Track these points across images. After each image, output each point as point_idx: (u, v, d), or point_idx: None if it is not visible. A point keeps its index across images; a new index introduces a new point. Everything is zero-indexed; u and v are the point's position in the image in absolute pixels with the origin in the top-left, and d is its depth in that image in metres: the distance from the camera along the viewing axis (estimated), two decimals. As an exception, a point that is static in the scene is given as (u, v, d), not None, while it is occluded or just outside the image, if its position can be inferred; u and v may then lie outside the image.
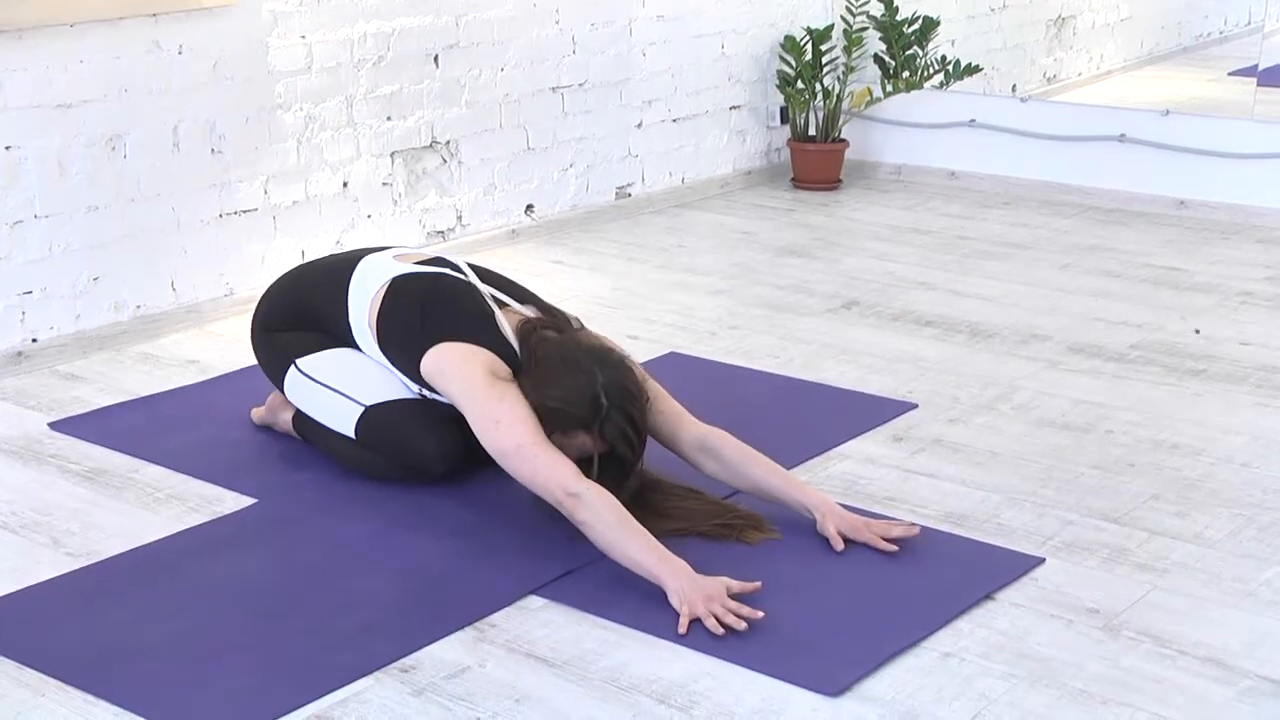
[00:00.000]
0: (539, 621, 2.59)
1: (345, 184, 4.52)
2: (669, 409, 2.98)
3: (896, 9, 5.73)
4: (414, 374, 3.03)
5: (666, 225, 5.30)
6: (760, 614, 2.53)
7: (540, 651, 2.50)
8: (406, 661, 2.47)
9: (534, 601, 2.66)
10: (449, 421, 3.03)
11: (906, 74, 5.80)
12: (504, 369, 2.93)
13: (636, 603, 2.60)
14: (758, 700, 2.35)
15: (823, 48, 5.69)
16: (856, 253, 4.94)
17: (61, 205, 3.86)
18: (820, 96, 5.75)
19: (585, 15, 5.11)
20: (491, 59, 4.84)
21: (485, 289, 3.10)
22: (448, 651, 2.50)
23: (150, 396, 3.66)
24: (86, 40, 3.84)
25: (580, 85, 5.15)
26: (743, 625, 2.51)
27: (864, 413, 3.52)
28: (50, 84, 3.78)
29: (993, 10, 6.33)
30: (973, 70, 5.78)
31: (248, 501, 3.07)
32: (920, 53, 5.80)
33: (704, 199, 5.65)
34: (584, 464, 2.78)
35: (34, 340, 3.87)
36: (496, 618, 2.60)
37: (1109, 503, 3.04)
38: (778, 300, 4.43)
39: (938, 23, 5.79)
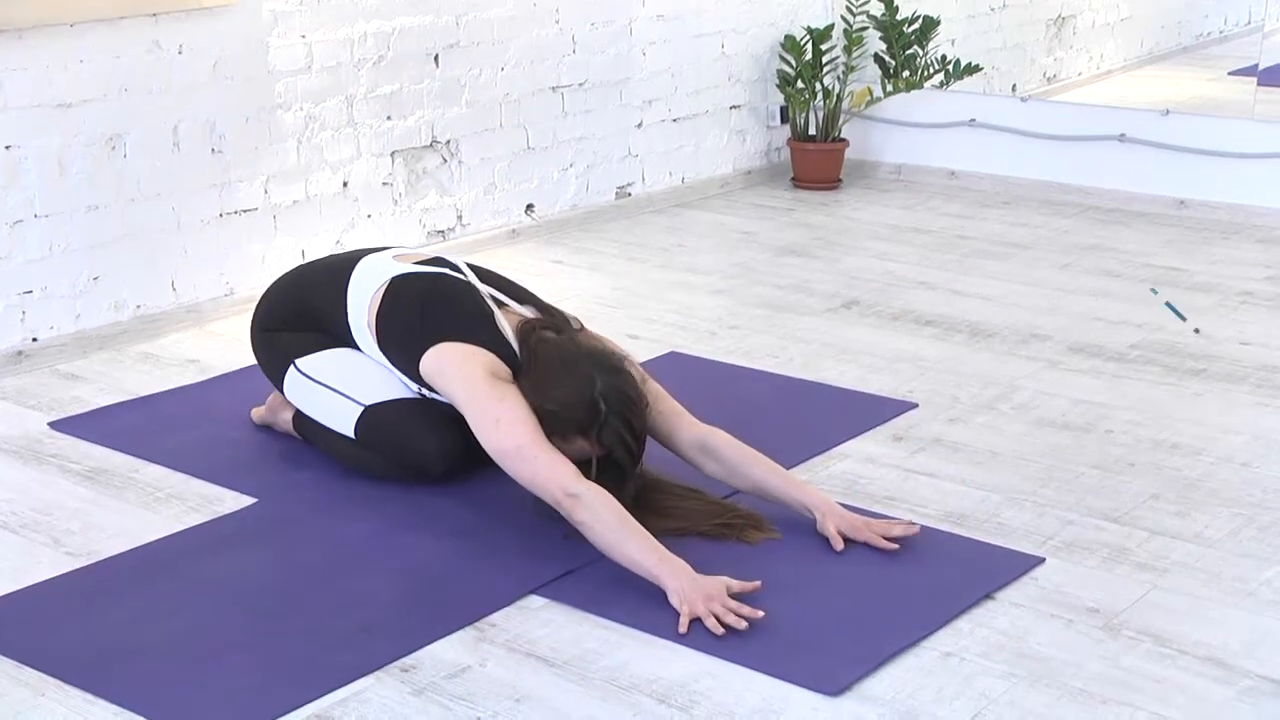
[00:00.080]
0: (539, 621, 2.59)
1: (345, 184, 4.52)
2: (668, 409, 2.97)
3: (897, 8, 5.73)
4: (413, 373, 3.03)
5: (666, 225, 5.30)
6: (760, 613, 2.53)
7: (541, 651, 2.50)
8: (407, 661, 2.47)
9: (534, 601, 2.66)
10: (449, 421, 3.03)
11: (906, 74, 5.80)
12: (504, 369, 2.93)
13: (637, 602, 2.60)
14: (758, 700, 2.35)
15: (823, 47, 5.69)
16: (856, 252, 4.94)
17: (61, 205, 3.86)
18: (820, 96, 5.75)
19: (585, 15, 5.11)
20: (492, 58, 4.84)
21: (484, 289, 3.10)
22: (448, 651, 2.50)
23: (150, 396, 3.66)
24: (86, 40, 3.83)
25: (580, 85, 5.15)
26: (743, 624, 2.51)
27: (864, 412, 3.52)
28: (50, 83, 3.78)
29: (993, 10, 6.33)
30: (973, 70, 5.78)
31: (248, 501, 3.07)
32: (920, 52, 5.80)
33: (704, 199, 5.65)
34: (583, 466, 2.78)
35: (34, 340, 3.87)
36: (497, 617, 2.60)
37: (1109, 502, 3.04)
38: (778, 300, 4.43)
39: (938, 22, 5.79)
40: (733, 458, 2.93)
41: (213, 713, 2.33)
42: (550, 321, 3.03)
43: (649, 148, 5.46)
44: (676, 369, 3.76)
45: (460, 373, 2.90)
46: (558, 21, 5.03)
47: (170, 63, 4.02)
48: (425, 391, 3.06)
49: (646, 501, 2.85)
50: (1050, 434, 3.39)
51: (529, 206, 5.09)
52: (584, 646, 2.51)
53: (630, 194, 5.43)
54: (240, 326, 3.97)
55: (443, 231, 4.82)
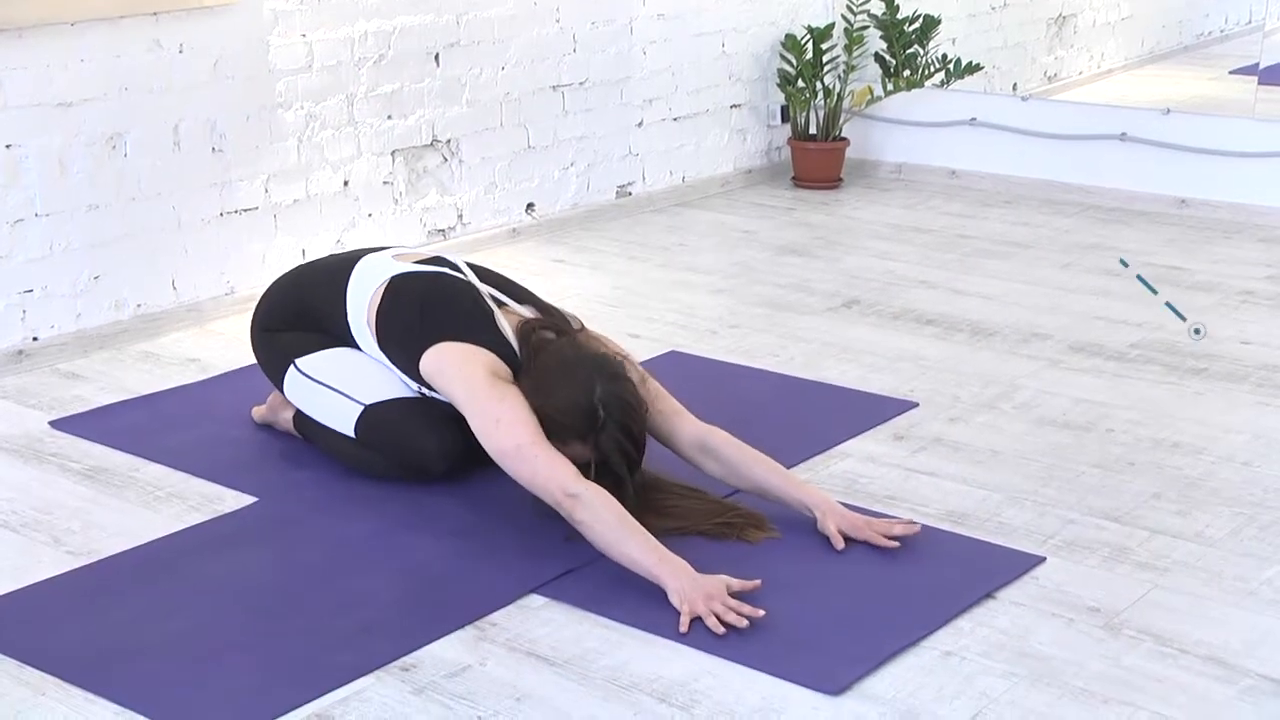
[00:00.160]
0: (540, 620, 2.59)
1: (346, 183, 4.51)
2: (668, 408, 2.97)
3: (897, 7, 5.73)
4: (413, 372, 3.03)
5: (667, 224, 5.30)
6: (761, 612, 2.53)
7: (541, 650, 2.50)
8: (407, 660, 2.47)
9: (534, 600, 2.66)
10: (449, 420, 3.03)
11: (907, 72, 5.80)
12: (504, 369, 2.93)
13: (637, 601, 2.60)
14: (758, 699, 2.35)
15: (823, 46, 5.68)
16: (857, 251, 4.94)
17: (62, 204, 3.86)
18: (821, 95, 5.74)
19: (586, 14, 5.11)
20: (492, 57, 4.84)
21: (484, 289, 3.10)
22: (448, 650, 2.50)
23: (151, 395, 3.66)
24: (87, 39, 3.83)
25: (581, 84, 5.15)
26: (744, 623, 2.51)
27: (865, 411, 3.51)
28: (51, 82, 3.78)
29: (993, 9, 6.33)
30: (973, 69, 5.78)
31: (248, 500, 3.07)
32: (921, 51, 5.79)
33: (705, 198, 5.65)
34: (583, 467, 2.78)
35: (35, 339, 3.87)
36: (497, 617, 2.60)
37: (1110, 501, 3.04)
38: (778, 299, 4.43)
39: (938, 21, 5.79)
40: (733, 457, 2.93)
41: (213, 712, 2.32)
42: (550, 322, 3.03)
43: (650, 147, 5.46)
44: (677, 368, 3.75)
45: (460, 372, 2.90)
46: (558, 20, 5.02)
47: (171, 62, 4.02)
48: (425, 390, 3.06)
49: (646, 501, 2.84)
50: (1051, 433, 3.39)
51: (529, 205, 5.09)
52: (584, 646, 2.51)
53: (631, 193, 5.43)
54: (241, 325, 3.97)
55: (443, 230, 4.82)
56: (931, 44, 5.80)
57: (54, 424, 3.47)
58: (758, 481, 2.92)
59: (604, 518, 2.65)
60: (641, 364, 3.15)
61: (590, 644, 2.51)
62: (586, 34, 5.13)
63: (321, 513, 3.01)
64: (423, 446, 3.05)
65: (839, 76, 5.75)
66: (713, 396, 3.42)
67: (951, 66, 5.76)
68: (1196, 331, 3.93)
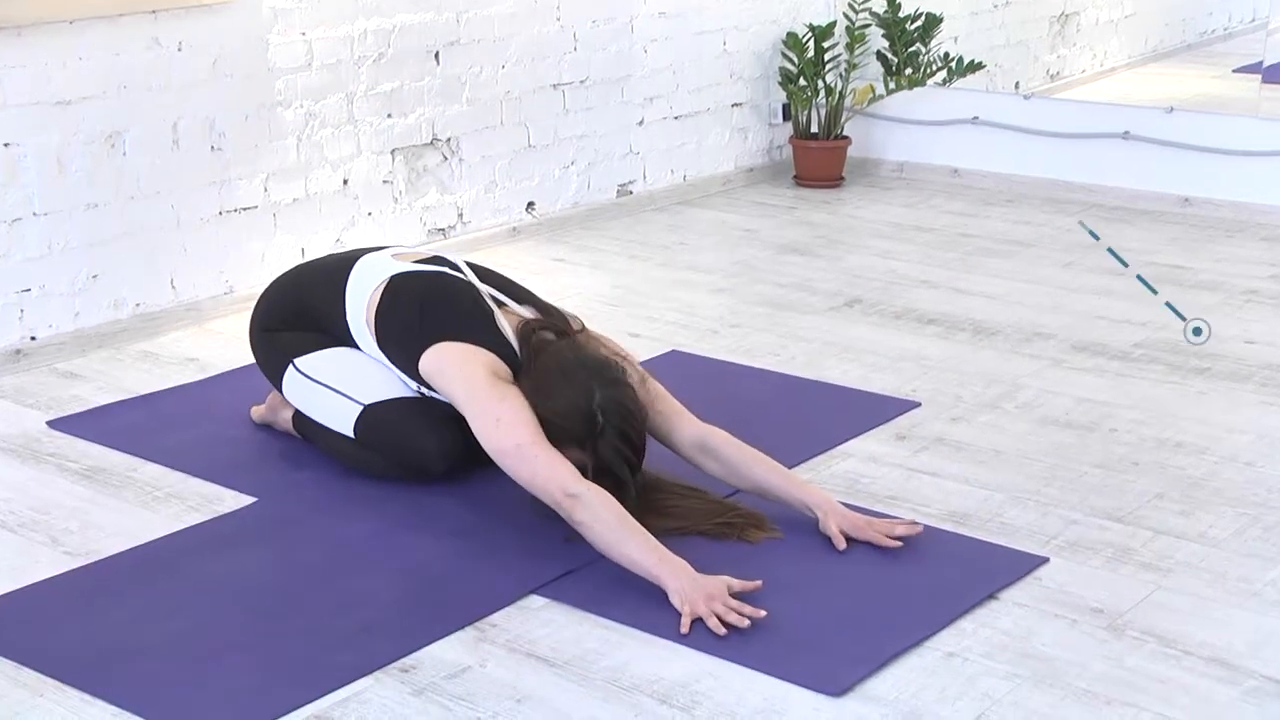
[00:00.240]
0: (540, 621, 2.58)
1: (345, 181, 4.50)
2: (668, 408, 2.96)
3: (899, 5, 5.71)
4: (412, 372, 3.02)
5: (668, 223, 5.29)
6: (762, 613, 2.52)
7: (541, 651, 2.49)
8: (407, 661, 2.46)
9: (535, 601, 2.65)
10: (448, 420, 3.02)
11: (909, 71, 5.79)
12: (504, 369, 2.92)
13: (638, 602, 2.59)
14: (759, 700, 2.34)
15: (825, 44, 5.67)
16: (859, 250, 4.93)
17: (61, 203, 3.85)
18: (822, 93, 5.73)
19: (586, 12, 5.10)
20: (492, 56, 4.83)
21: (484, 288, 3.09)
22: (448, 651, 2.49)
23: (149, 395, 3.65)
24: (86, 37, 3.82)
25: (581, 82, 5.14)
26: (745, 623, 2.50)
27: (866, 411, 3.50)
28: (49, 81, 3.77)
29: (996, 7, 6.31)
30: (976, 67, 5.77)
31: (247, 500, 3.06)
32: (923, 49, 5.78)
33: (706, 196, 5.64)
34: (582, 470, 2.76)
35: (33, 338, 3.86)
36: (497, 617, 2.59)
37: (1113, 502, 3.02)
38: (780, 298, 4.41)
39: (941, 19, 5.78)
40: (733, 457, 2.92)
41: (212, 713, 2.31)
42: (550, 322, 3.02)
43: (650, 145, 5.45)
44: (678, 367, 3.74)
45: (460, 372, 2.89)
46: (559, 19, 5.01)
47: (170, 60, 4.01)
48: (425, 390, 3.05)
49: (647, 501, 2.83)
50: (1054, 433, 3.38)
51: (530, 204, 5.08)
52: (585, 646, 2.50)
53: (632, 192, 5.42)
54: (240, 325, 3.96)
55: (443, 229, 4.81)
56: (933, 42, 5.79)
57: (52, 424, 3.46)
58: (758, 481, 2.91)
59: (604, 518, 2.64)
60: (642, 364, 3.14)
61: (591, 645, 2.50)
62: (587, 32, 5.12)
63: (321, 513, 3.00)
64: (422, 446, 3.04)
65: (841, 75, 5.73)
66: (713, 396, 3.41)
67: (954, 65, 5.75)
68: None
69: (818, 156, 5.78)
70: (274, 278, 3.42)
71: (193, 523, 2.96)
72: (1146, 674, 2.40)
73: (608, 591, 2.64)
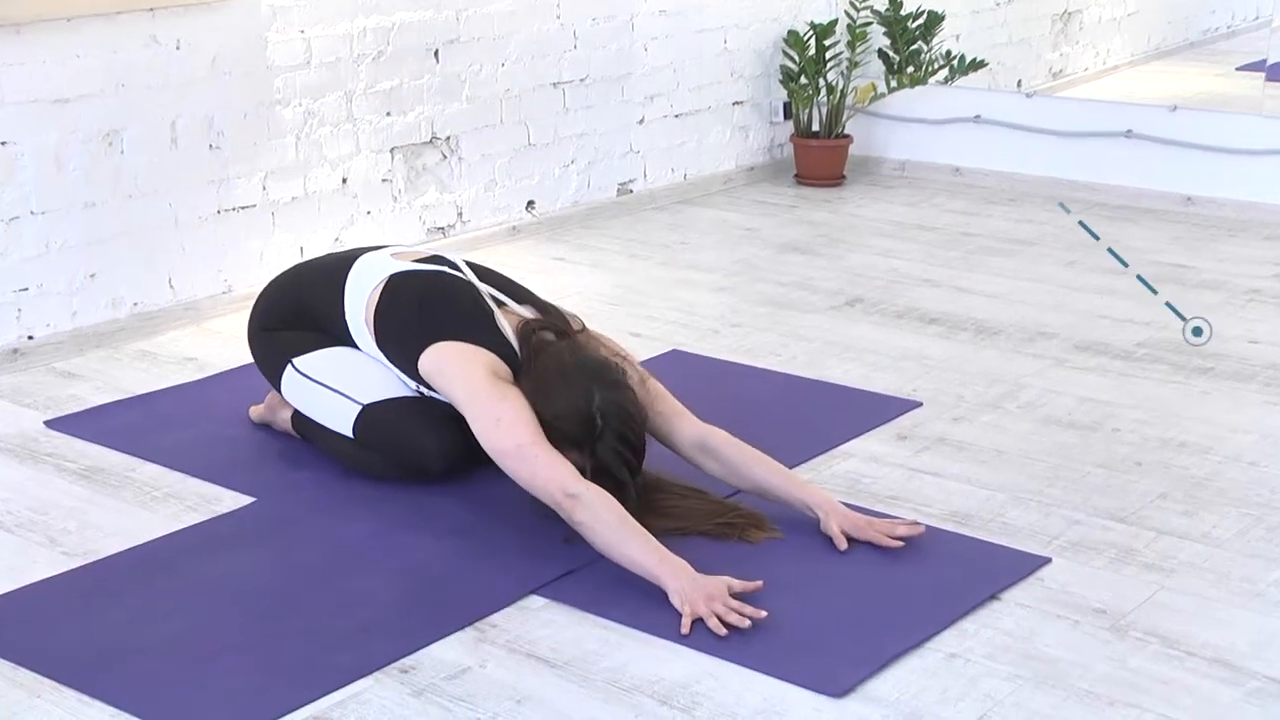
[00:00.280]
0: (540, 622, 2.57)
1: (344, 180, 4.49)
2: (668, 408, 2.95)
3: (901, 3, 5.70)
4: (412, 371, 3.01)
5: (668, 222, 5.28)
6: (763, 613, 2.51)
7: (541, 652, 2.48)
8: (406, 662, 2.45)
9: (535, 601, 2.64)
10: (448, 420, 3.01)
11: (911, 69, 5.78)
12: (504, 369, 2.91)
13: (638, 602, 2.58)
14: (760, 701, 2.33)
15: (826, 43, 5.66)
16: (860, 249, 4.91)
17: (58, 201, 3.84)
18: (824, 92, 5.72)
19: (586, 10, 5.09)
20: (492, 54, 4.82)
21: (484, 288, 3.08)
22: (448, 652, 2.48)
23: (147, 394, 3.64)
24: (84, 35, 3.81)
25: (582, 80, 5.13)
26: (746, 623, 2.49)
27: (868, 411, 3.49)
28: (47, 79, 3.76)
29: (998, 5, 6.30)
30: (978, 65, 5.75)
31: (246, 500, 3.05)
32: (925, 48, 5.77)
33: (706, 195, 5.63)
34: (582, 471, 2.75)
35: (30, 338, 3.85)
36: (497, 618, 2.58)
37: (1116, 502, 3.01)
38: (781, 297, 4.40)
39: (942, 17, 5.77)
40: (733, 457, 2.91)
41: (211, 713, 2.31)
42: (550, 322, 3.01)
43: (651, 144, 5.44)
44: (678, 367, 3.73)
45: (460, 372, 2.88)
46: (559, 17, 5.00)
47: (168, 58, 4.00)
48: (424, 390, 3.04)
49: (647, 501, 2.82)
50: (1056, 433, 3.37)
51: (530, 203, 5.07)
52: (585, 647, 2.49)
53: (632, 190, 5.41)
54: (238, 324, 3.94)
55: (443, 228, 4.80)
56: (935, 40, 5.78)
57: (49, 423, 3.45)
58: (759, 481, 2.89)
59: (604, 518, 2.62)
60: (642, 363, 3.13)
61: (591, 645, 2.49)
62: (587, 30, 5.11)
63: (320, 513, 2.99)
64: (421, 446, 3.03)
65: (842, 73, 5.72)
66: (714, 396, 3.40)
67: (955, 63, 5.74)
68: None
69: (819, 155, 5.77)
70: (273, 277, 3.41)
71: (191, 523, 2.95)
72: (1149, 675, 2.39)
73: (608, 592, 2.63)
